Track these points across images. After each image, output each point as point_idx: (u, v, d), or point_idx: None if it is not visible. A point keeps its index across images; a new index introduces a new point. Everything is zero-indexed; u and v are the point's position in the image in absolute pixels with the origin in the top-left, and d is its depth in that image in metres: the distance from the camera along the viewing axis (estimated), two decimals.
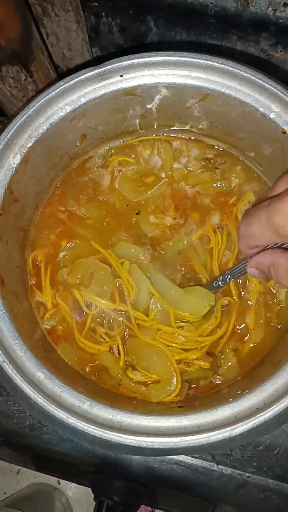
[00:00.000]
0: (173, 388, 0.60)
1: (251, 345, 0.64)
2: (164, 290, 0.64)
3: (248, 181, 0.70)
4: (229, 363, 0.62)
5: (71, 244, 0.68)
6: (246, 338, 0.64)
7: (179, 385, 0.60)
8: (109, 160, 0.72)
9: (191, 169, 0.70)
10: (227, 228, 0.68)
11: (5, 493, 1.27)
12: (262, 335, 0.64)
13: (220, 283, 0.63)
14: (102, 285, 0.64)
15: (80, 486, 1.26)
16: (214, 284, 0.64)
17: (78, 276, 0.66)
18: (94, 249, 0.67)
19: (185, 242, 0.67)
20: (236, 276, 0.60)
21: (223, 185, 0.70)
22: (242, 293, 0.66)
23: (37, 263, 0.68)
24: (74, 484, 1.29)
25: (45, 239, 0.69)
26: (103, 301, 0.64)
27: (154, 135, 0.72)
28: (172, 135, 0.72)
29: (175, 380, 0.60)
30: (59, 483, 1.30)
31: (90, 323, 0.64)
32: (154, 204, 0.70)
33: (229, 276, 0.61)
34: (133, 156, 0.72)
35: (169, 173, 0.71)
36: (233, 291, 0.66)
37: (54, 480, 1.29)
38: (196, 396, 0.61)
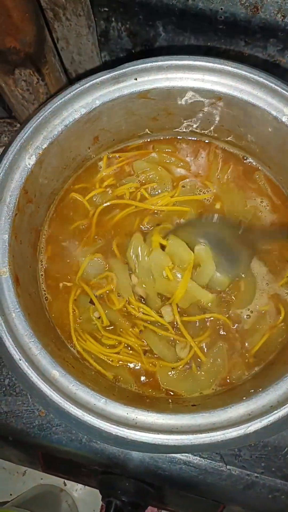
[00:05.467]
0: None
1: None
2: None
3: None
4: None
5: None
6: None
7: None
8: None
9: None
10: None
11: (10, 494, 1.26)
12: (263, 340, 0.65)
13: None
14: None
15: (86, 487, 1.26)
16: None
17: None
18: None
19: None
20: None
21: None
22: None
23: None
24: (80, 486, 1.28)
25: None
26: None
27: (164, 138, 0.73)
28: (184, 137, 0.73)
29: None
30: (65, 485, 1.30)
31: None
32: None
33: None
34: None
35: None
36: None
37: (60, 482, 1.29)
38: None
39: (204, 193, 0.71)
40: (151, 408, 0.52)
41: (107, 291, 0.67)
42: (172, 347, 0.64)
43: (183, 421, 0.51)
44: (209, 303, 0.65)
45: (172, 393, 0.63)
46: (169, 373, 0.63)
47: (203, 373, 0.62)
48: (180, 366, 0.63)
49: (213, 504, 0.74)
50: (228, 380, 0.63)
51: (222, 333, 0.65)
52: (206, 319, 0.66)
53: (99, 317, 0.66)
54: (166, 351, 0.64)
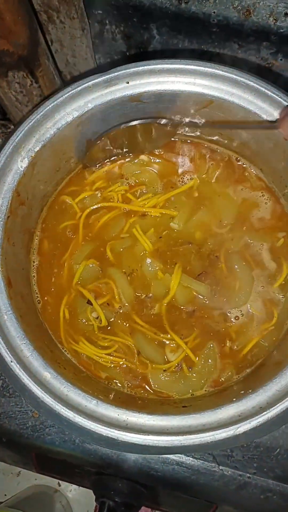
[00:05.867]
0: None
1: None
2: None
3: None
4: None
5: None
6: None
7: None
8: None
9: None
10: None
11: (5, 495, 1.26)
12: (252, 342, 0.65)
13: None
14: None
15: (80, 488, 1.26)
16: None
17: None
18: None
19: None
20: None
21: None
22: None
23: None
24: (74, 486, 1.29)
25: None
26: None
27: None
28: (175, 139, 0.73)
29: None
30: (59, 485, 1.30)
31: None
32: None
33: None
34: None
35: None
36: None
37: (55, 482, 1.29)
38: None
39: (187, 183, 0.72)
40: (143, 410, 0.53)
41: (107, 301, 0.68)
42: (162, 349, 0.65)
43: (174, 422, 0.51)
44: (203, 295, 0.66)
45: (163, 395, 0.63)
46: (160, 375, 0.63)
47: (194, 374, 0.63)
48: (172, 368, 0.64)
49: (206, 504, 0.74)
50: (220, 380, 0.63)
51: (212, 334, 0.66)
52: (194, 316, 0.66)
53: (97, 317, 0.66)
54: (154, 354, 0.64)
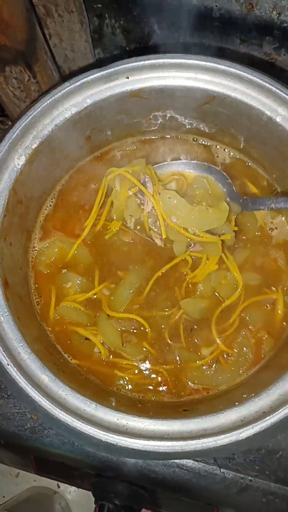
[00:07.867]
0: None
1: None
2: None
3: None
4: None
5: None
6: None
7: None
8: None
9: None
10: None
11: (4, 496, 1.26)
12: None
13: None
14: None
15: (79, 489, 1.25)
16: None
17: None
18: None
19: None
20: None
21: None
22: None
23: None
24: (73, 488, 1.28)
25: None
26: None
27: (158, 137, 0.72)
28: (176, 137, 0.72)
29: None
30: (58, 487, 1.29)
31: None
32: None
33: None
34: None
35: None
36: None
37: (54, 484, 1.28)
38: None
39: None
40: (143, 414, 0.52)
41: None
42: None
43: (175, 427, 0.50)
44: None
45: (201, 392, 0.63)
46: (202, 370, 0.63)
47: (232, 368, 0.63)
48: (209, 360, 0.63)
49: (207, 507, 0.73)
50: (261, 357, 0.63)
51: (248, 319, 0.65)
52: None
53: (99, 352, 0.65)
54: (190, 355, 0.64)
